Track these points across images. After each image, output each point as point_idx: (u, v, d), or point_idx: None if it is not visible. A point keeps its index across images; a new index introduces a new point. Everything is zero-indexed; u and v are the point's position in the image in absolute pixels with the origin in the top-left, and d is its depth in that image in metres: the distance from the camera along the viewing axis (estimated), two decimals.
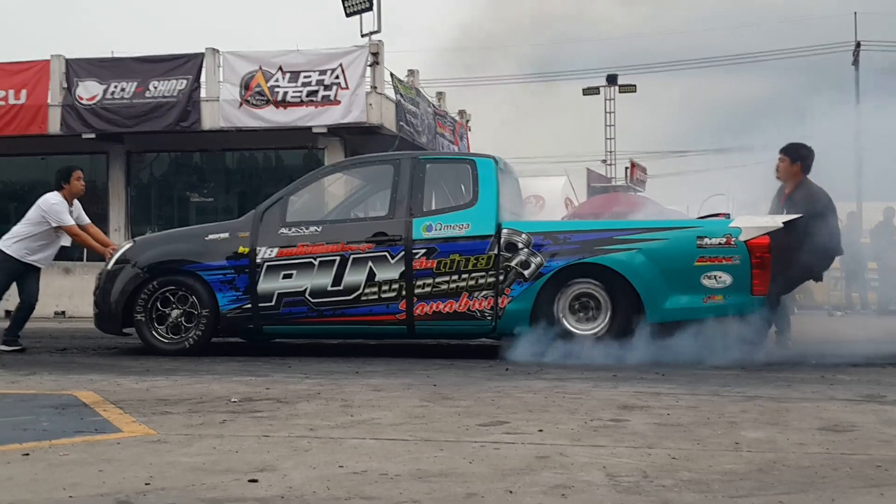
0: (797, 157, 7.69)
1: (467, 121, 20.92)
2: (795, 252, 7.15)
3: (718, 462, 3.40)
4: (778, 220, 7.07)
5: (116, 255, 7.87)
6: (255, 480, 3.10)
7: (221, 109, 15.46)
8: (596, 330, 7.04)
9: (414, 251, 7.28)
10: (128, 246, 8.08)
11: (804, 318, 9.12)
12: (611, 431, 4.01)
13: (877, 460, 3.43)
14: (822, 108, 8.40)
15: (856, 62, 25.99)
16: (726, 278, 6.86)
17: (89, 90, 15.95)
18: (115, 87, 15.85)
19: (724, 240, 6.90)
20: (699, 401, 4.93)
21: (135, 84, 15.79)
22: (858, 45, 25.97)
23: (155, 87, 15.75)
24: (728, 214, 7.39)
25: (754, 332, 7.24)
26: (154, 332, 7.57)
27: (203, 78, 15.77)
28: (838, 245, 7.56)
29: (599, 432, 3.99)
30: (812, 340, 7.68)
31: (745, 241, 6.87)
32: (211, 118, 15.57)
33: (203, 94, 15.75)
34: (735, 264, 6.86)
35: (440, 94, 20.06)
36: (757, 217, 7.25)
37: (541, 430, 4.01)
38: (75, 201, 8.22)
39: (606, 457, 3.49)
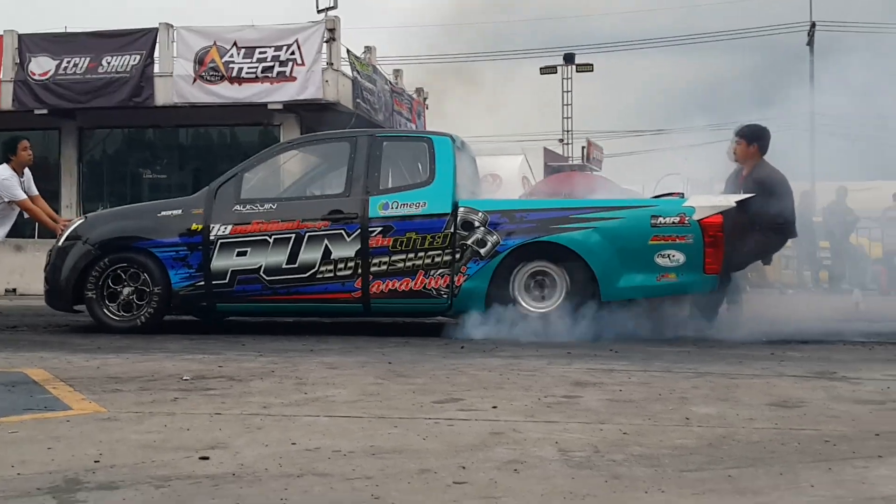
0: (753, 138, 7.76)
1: (425, 99, 20.83)
2: (748, 232, 7.25)
3: (669, 437, 3.44)
4: (731, 200, 7.15)
5: (67, 232, 7.73)
6: (206, 458, 3.07)
7: (175, 85, 15.22)
8: (551, 308, 7.08)
9: (370, 229, 7.25)
10: (79, 222, 7.94)
11: (756, 296, 9.26)
12: (564, 408, 4.04)
13: (825, 435, 3.49)
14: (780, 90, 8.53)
15: (810, 42, 26.28)
16: (680, 257, 6.93)
17: (42, 65, 15.63)
18: (68, 62, 15.55)
19: (678, 219, 6.96)
20: (651, 377, 4.98)
21: (88, 59, 15.49)
22: (813, 25, 26.26)
23: (108, 63, 15.46)
24: (682, 194, 7.46)
25: (707, 309, 7.35)
26: (105, 310, 7.46)
27: (157, 53, 15.51)
28: (792, 228, 7.67)
29: (553, 408, 4.02)
30: (764, 318, 7.79)
31: (698, 221, 6.94)
32: (164, 94, 15.33)
33: (156, 69, 15.50)
34: (688, 243, 6.93)
35: (397, 72, 19.94)
36: (710, 196, 7.34)
37: (495, 407, 4.02)
38: (26, 171, 8.05)
39: (559, 432, 3.51)
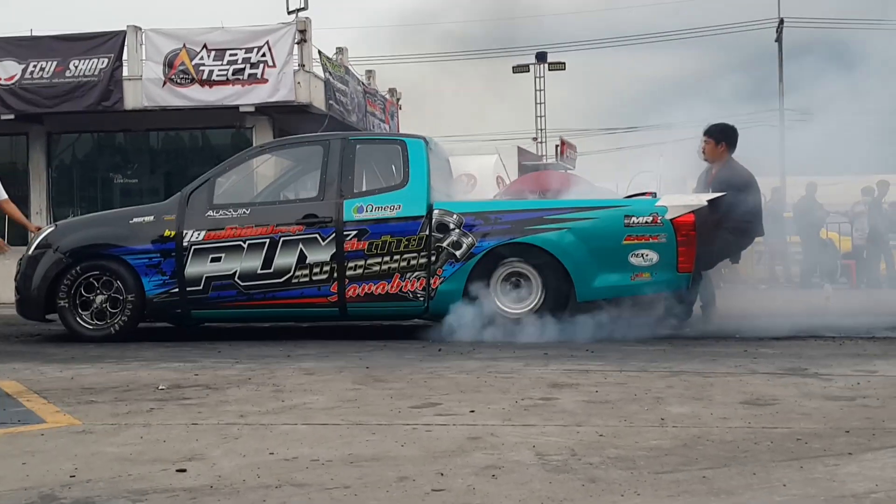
0: (722, 137, 7.84)
1: (398, 99, 20.80)
2: (717, 229, 7.32)
3: (644, 438, 3.48)
4: (702, 199, 7.22)
5: (38, 240, 7.67)
6: (183, 470, 3.06)
7: (145, 88, 15.08)
8: (527, 309, 7.11)
9: (345, 233, 7.24)
10: (49, 230, 7.88)
11: (729, 292, 9.33)
12: (541, 410, 4.07)
13: (797, 433, 3.54)
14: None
15: (779, 39, 26.54)
16: (653, 256, 6.99)
17: (7, 70, 15.42)
18: (35, 66, 15.34)
19: (651, 218, 7.01)
20: (627, 377, 5.02)
21: (55, 63, 15.30)
22: (781, 21, 26.51)
23: (75, 66, 15.28)
24: (655, 193, 7.51)
25: (680, 308, 7.41)
26: (78, 319, 7.40)
27: (125, 56, 15.36)
28: (760, 226, 7.75)
29: (530, 411, 4.04)
30: (737, 314, 7.87)
31: (671, 220, 7.00)
32: (134, 97, 15.18)
33: (125, 72, 15.35)
34: (661, 242, 6.98)
35: (370, 72, 19.90)
36: (683, 196, 7.40)
37: (472, 411, 4.04)
38: None
39: (536, 436, 3.53)
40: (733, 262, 8.10)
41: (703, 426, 3.69)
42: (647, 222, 7.01)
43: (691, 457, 3.19)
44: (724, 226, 7.36)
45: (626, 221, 7.04)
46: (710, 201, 7.18)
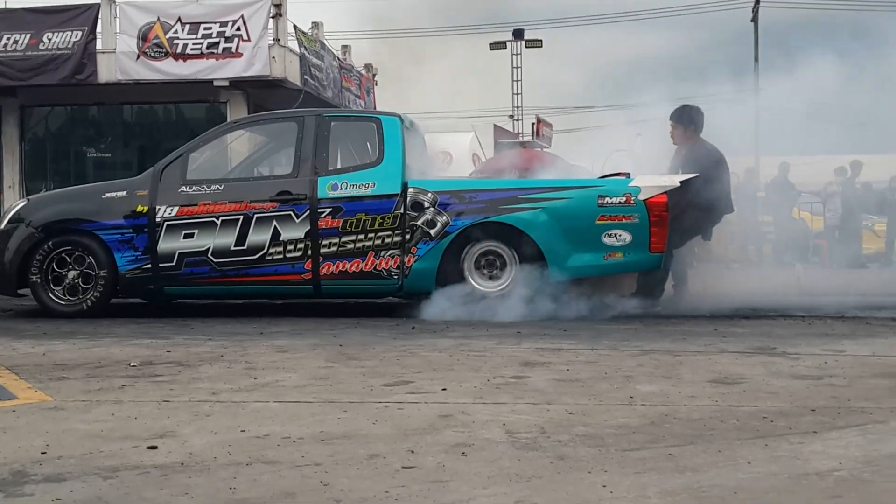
0: (688, 121, 7.90)
1: (374, 75, 20.68)
2: (686, 208, 7.37)
3: (613, 416, 3.53)
4: (675, 180, 7.27)
5: (10, 215, 7.61)
6: (154, 447, 3.07)
7: (118, 62, 14.92)
8: (501, 287, 7.14)
9: (319, 210, 7.23)
10: (21, 204, 7.81)
11: (702, 271, 9.40)
12: (512, 388, 4.11)
13: (763, 412, 3.60)
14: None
15: (755, 18, 26.64)
16: (626, 236, 7.03)
17: None
18: (8, 39, 15.14)
19: (625, 199, 7.06)
20: (598, 356, 5.08)
21: (28, 36, 15.10)
22: (758, 1, 26.61)
23: (49, 39, 15.09)
24: (629, 174, 7.54)
25: (652, 287, 7.48)
26: (50, 294, 7.35)
27: (99, 29, 15.17)
28: (728, 203, 7.83)
29: (501, 389, 4.08)
30: (708, 293, 7.95)
31: (644, 201, 7.04)
32: (108, 71, 15.02)
33: (99, 45, 15.17)
34: (634, 223, 7.03)
35: (345, 48, 19.76)
36: (656, 177, 7.44)
37: (444, 389, 4.07)
38: None
39: (507, 414, 3.57)
40: (705, 238, 8.16)
41: (671, 404, 3.74)
42: (620, 203, 7.05)
43: (658, 435, 3.24)
44: (693, 203, 7.42)
45: (599, 202, 7.07)
46: (681, 182, 7.22)
